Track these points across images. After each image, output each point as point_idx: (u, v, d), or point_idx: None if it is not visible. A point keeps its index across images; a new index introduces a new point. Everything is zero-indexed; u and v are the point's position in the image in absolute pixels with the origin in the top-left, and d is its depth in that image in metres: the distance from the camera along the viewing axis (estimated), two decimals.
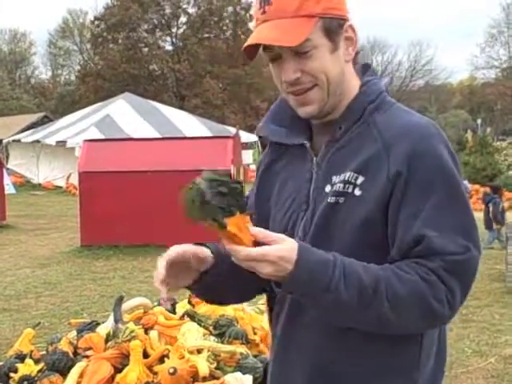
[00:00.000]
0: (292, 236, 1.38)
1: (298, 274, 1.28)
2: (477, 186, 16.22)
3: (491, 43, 57.57)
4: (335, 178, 1.44)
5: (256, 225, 1.34)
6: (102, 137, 18.28)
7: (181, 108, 34.09)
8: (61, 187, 22.10)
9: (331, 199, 1.42)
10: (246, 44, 1.42)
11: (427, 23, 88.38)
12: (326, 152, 1.47)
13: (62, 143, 21.74)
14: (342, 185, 1.42)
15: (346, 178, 1.42)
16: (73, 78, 57.05)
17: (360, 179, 1.40)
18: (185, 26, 49.49)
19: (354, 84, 1.50)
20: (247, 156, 24.10)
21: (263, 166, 1.64)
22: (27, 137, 25.06)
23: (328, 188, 1.44)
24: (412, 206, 1.36)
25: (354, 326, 1.38)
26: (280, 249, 1.27)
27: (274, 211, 1.58)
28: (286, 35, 1.38)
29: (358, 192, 1.40)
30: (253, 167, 25.95)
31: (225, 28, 48.11)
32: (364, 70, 1.55)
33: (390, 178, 1.37)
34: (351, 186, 1.41)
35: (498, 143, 30.68)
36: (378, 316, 1.33)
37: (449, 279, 1.34)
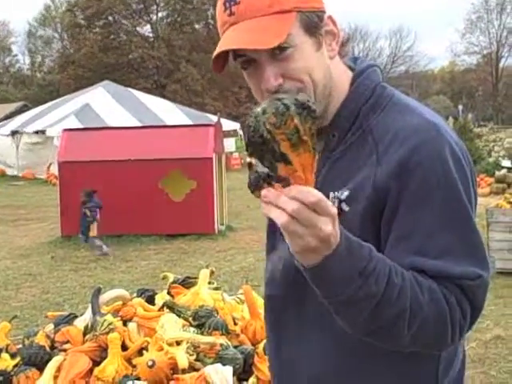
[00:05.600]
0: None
1: (340, 249, 1.11)
2: None
3: (471, 29, 57.93)
4: (332, 195, 1.30)
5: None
6: (81, 126, 18.08)
7: (161, 95, 33.86)
8: (41, 177, 21.86)
9: None
10: (215, 53, 1.25)
11: (408, 10, 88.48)
12: (322, 165, 1.33)
13: (40, 132, 21.50)
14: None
15: (335, 194, 1.30)
16: (52, 65, 56.50)
17: (345, 193, 1.29)
18: (163, 13, 49.16)
19: (343, 81, 1.35)
20: (229, 144, 24.00)
21: None
22: (5, 126, 24.73)
23: None
24: (405, 226, 1.24)
25: (363, 328, 1.21)
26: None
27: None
28: (262, 36, 1.21)
29: (345, 207, 1.28)
30: (235, 155, 25.87)
31: (204, 14, 47.74)
32: (355, 60, 1.41)
33: (376, 190, 1.25)
34: (337, 201, 1.29)
35: (479, 129, 30.83)
36: (394, 320, 1.18)
37: (463, 302, 1.23)
